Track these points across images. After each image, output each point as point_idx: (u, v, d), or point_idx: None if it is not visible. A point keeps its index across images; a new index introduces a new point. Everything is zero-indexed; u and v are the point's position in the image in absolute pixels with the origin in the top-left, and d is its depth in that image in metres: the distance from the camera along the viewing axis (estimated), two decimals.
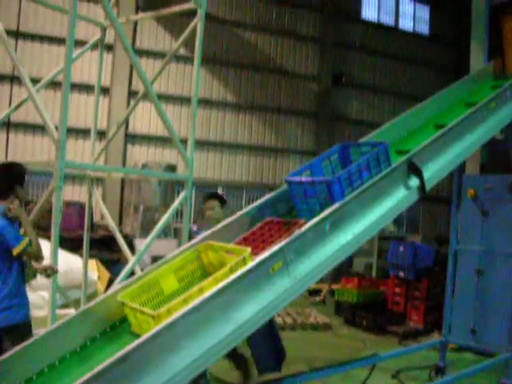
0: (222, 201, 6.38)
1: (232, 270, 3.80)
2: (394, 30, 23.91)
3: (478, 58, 10.15)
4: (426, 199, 21.17)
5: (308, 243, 4.06)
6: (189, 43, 7.88)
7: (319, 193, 4.50)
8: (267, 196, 5.06)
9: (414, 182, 4.81)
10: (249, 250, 4.00)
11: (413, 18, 24.50)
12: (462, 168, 8.20)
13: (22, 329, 4.69)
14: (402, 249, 11.41)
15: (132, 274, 6.59)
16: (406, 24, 24.34)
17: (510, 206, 8.69)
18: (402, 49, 23.80)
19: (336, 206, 4.25)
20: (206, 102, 19.40)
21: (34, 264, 4.92)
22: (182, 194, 7.01)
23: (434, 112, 6.56)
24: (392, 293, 11.83)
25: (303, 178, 4.80)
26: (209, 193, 6.65)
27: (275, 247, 3.87)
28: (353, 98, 22.75)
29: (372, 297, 11.93)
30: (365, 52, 22.96)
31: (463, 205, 9.09)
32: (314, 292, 14.26)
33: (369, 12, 23.38)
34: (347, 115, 22.58)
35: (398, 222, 20.11)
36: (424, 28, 24.76)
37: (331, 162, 5.14)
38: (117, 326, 4.09)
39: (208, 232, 4.62)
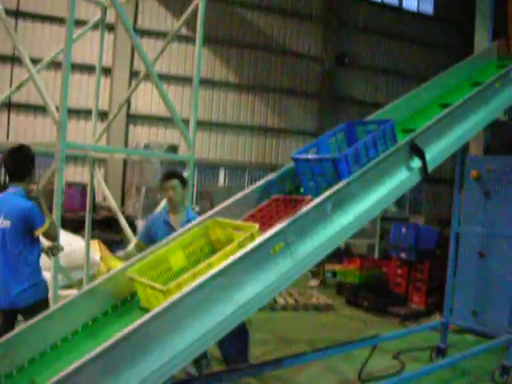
0: (183, 181, 5.72)
1: (240, 246, 3.81)
2: (398, 10, 23.72)
3: (482, 38, 10.07)
4: (429, 180, 21.19)
5: (309, 224, 4.03)
6: (191, 23, 7.83)
7: (326, 170, 4.50)
8: (274, 174, 5.04)
9: (416, 163, 4.76)
10: (257, 226, 4.00)
11: None
12: (465, 149, 8.15)
13: (46, 304, 4.87)
14: (404, 230, 11.39)
15: None
16: (410, 4, 24.12)
17: None
18: (406, 29, 23.60)
19: (337, 186, 4.21)
20: (208, 83, 19.31)
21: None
22: (184, 175, 7.00)
23: (439, 91, 6.53)
24: (394, 274, 11.83)
25: (310, 156, 4.78)
26: (169, 172, 5.84)
27: (276, 228, 3.85)
28: (356, 78, 22.64)
29: (374, 278, 11.94)
30: (368, 32, 22.79)
31: (466, 186, 9.07)
32: (315, 274, 14.28)
33: None
34: (350, 96, 22.48)
35: (400, 203, 20.12)
36: (428, 8, 24.54)
37: (337, 140, 5.13)
38: (127, 301, 4.15)
39: (216, 209, 4.61)
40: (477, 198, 9.15)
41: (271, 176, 5.01)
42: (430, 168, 4.81)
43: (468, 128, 5.35)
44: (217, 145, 19.93)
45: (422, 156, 4.72)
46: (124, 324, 3.63)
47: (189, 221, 5.07)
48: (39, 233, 4.68)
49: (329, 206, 4.13)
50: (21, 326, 3.85)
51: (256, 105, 20.57)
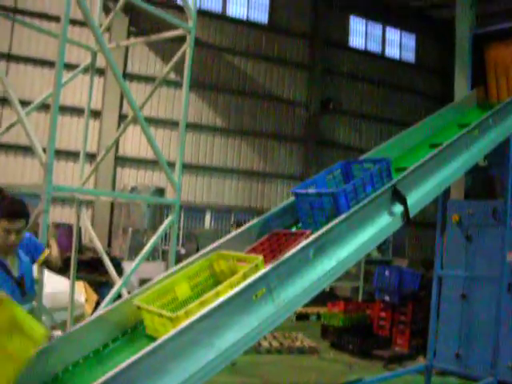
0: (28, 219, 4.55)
1: (245, 276, 3.92)
2: (380, 58, 24.32)
3: (461, 86, 10.38)
4: (411, 223, 21.18)
5: (292, 269, 4.09)
6: (179, 68, 8.00)
7: (325, 205, 4.68)
8: (274, 208, 5.19)
9: (398, 208, 4.87)
10: (261, 257, 4.11)
11: (399, 46, 24.93)
12: (446, 193, 8.33)
13: None
14: (387, 273, 11.51)
15: (119, 296, 6.62)
16: (392, 52, 24.76)
17: (493, 232, 8.80)
18: (389, 76, 24.19)
19: (319, 232, 4.31)
20: (195, 127, 19.57)
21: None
22: (169, 219, 7.08)
23: (428, 132, 6.84)
24: (378, 317, 11.88)
25: (310, 190, 4.98)
26: (16, 209, 4.24)
27: (258, 273, 3.91)
28: (341, 123, 23.03)
29: (358, 321, 11.99)
30: (352, 79, 23.31)
31: (448, 230, 9.22)
32: (301, 316, 14.31)
33: (356, 40, 23.77)
34: (335, 141, 22.81)
35: (383, 246, 20.26)
36: (410, 56, 25.19)
37: (335, 177, 5.37)
38: (136, 328, 4.20)
39: (218, 243, 4.71)
40: (458, 241, 9.30)
41: (272, 210, 5.15)
42: (412, 213, 4.93)
43: (449, 174, 5.51)
44: (203, 188, 20.06)
45: (403, 202, 4.85)
46: (132, 351, 3.70)
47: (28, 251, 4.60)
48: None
49: (311, 252, 4.21)
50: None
51: (242, 149, 20.81)
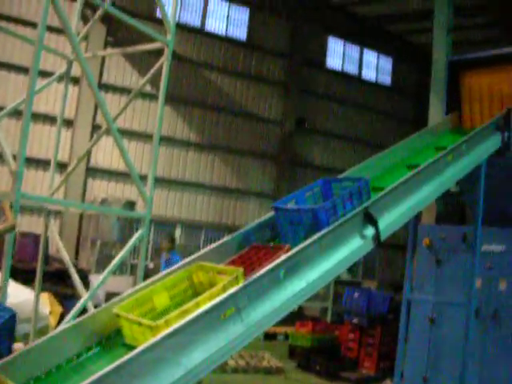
0: None
1: (225, 288, 3.93)
2: (357, 80, 24.54)
3: (436, 111, 10.49)
4: (382, 245, 21.24)
5: (262, 289, 4.06)
6: (155, 81, 7.96)
7: (305, 220, 4.73)
8: (254, 222, 5.21)
9: (370, 231, 4.88)
10: (241, 269, 4.11)
11: (376, 69, 25.20)
12: (417, 217, 8.37)
13: None
14: (356, 295, 11.51)
15: (84, 310, 6.48)
16: (369, 74, 25.00)
17: (463, 256, 8.83)
18: (365, 98, 24.41)
19: (290, 253, 4.29)
20: (169, 140, 19.46)
21: None
22: (139, 232, 6.98)
23: (405, 154, 6.94)
24: (346, 339, 11.86)
25: (290, 206, 5.03)
26: None
27: (227, 292, 3.87)
28: (315, 143, 23.12)
29: (326, 342, 11.95)
30: (328, 99, 23.47)
31: (418, 254, 9.25)
32: (269, 335, 14.20)
33: (334, 61, 23.96)
34: (308, 160, 22.88)
35: (353, 267, 20.35)
36: (386, 78, 25.48)
37: (314, 194, 5.46)
38: (112, 338, 4.14)
39: (197, 254, 4.71)
40: (428, 265, 9.32)
41: (251, 224, 5.17)
42: (384, 236, 4.94)
43: (421, 198, 5.55)
44: (175, 202, 19.91)
45: (375, 225, 4.85)
46: (108, 360, 3.65)
47: None
48: None
49: (281, 272, 4.17)
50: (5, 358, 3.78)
51: (216, 165, 20.74)
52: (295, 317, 14.16)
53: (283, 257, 4.25)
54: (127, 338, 3.99)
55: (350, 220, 4.74)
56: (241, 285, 3.92)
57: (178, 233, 19.97)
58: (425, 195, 5.60)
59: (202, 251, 4.78)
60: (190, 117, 20.25)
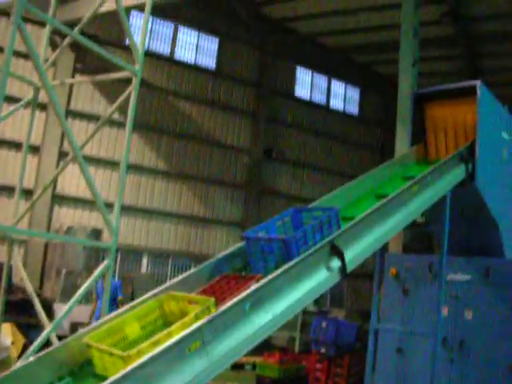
0: None
1: (197, 318, 3.93)
2: (325, 109, 24.81)
3: (402, 141, 10.64)
4: (350, 274, 21.34)
5: (227, 323, 4.01)
6: (123, 108, 7.91)
7: (276, 250, 4.77)
8: (224, 252, 5.20)
9: (336, 263, 4.89)
10: (212, 299, 4.13)
11: (344, 99, 25.53)
12: (384, 246, 8.42)
13: None
14: (324, 324, 11.48)
15: (48, 341, 6.34)
16: (337, 104, 25.31)
17: (429, 286, 8.93)
18: (333, 127, 24.70)
19: (256, 285, 4.26)
20: (136, 168, 19.34)
21: None
22: (105, 263, 6.88)
23: (371, 185, 7.03)
24: (313, 369, 11.79)
25: (261, 235, 5.05)
26: None
27: (193, 326, 3.81)
28: (282, 172, 23.23)
29: (293, 372, 11.84)
30: (296, 128, 23.67)
31: (385, 283, 9.30)
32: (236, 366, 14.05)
33: (302, 90, 24.22)
34: (276, 189, 22.95)
35: (320, 298, 20.34)
36: (354, 108, 25.81)
37: (285, 224, 5.48)
38: (83, 367, 4.09)
39: (168, 284, 4.70)
40: (395, 295, 9.37)
41: (222, 253, 5.15)
42: (350, 268, 4.95)
43: (387, 230, 5.60)
44: (142, 231, 19.71)
45: (341, 257, 4.86)
46: None
47: None
48: None
49: (247, 305, 4.14)
50: None
51: (183, 193, 20.65)
52: (263, 346, 14.03)
53: (252, 287, 4.23)
54: (98, 368, 3.94)
55: (316, 252, 4.74)
56: (206, 319, 3.87)
57: (144, 261, 19.75)
58: (391, 226, 5.64)
59: (173, 281, 4.77)
60: (159, 145, 20.19)
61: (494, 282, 8.88)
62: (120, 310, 4.41)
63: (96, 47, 7.10)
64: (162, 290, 4.63)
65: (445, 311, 8.85)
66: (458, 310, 9.06)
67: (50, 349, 4.04)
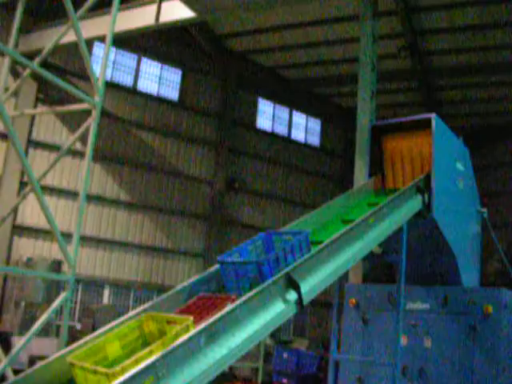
0: None
1: (177, 336, 4.05)
2: (286, 140, 25.07)
3: (361, 173, 10.81)
4: (313, 303, 21.60)
5: (182, 358, 3.98)
6: (85, 138, 7.93)
7: (250, 272, 4.97)
8: (200, 274, 5.36)
9: (293, 296, 4.92)
10: (191, 318, 4.21)
11: (305, 130, 25.85)
12: (344, 276, 8.52)
13: None
14: (285, 355, 11.52)
15: (3, 378, 6.25)
16: (298, 135, 25.60)
17: (389, 316, 9.03)
18: (294, 158, 24.95)
19: (212, 319, 4.25)
20: (98, 199, 19.21)
21: None
22: (63, 295, 6.83)
23: (339, 210, 7.33)
24: None
25: (235, 259, 5.23)
26: None
27: (146, 361, 3.78)
28: (245, 202, 23.30)
29: None
30: (259, 159, 23.84)
31: (345, 313, 9.37)
32: None
33: (264, 122, 24.46)
34: (239, 219, 22.98)
35: (284, 325, 20.30)
36: (315, 139, 26.13)
37: (256, 247, 5.71)
38: None
39: (147, 305, 4.79)
40: (355, 324, 9.45)
41: (198, 276, 5.32)
42: (306, 300, 4.99)
43: (343, 261, 5.68)
44: (103, 262, 19.49)
45: (297, 289, 4.91)
46: None
47: None
48: None
49: (202, 340, 4.13)
50: None
51: (145, 224, 20.54)
52: (226, 377, 13.94)
53: (203, 325, 4.21)
54: None
55: (273, 285, 4.77)
56: (159, 354, 3.84)
57: (106, 293, 19.51)
58: (347, 258, 5.73)
59: (151, 302, 4.86)
60: (121, 175, 20.10)
61: (452, 309, 9.03)
62: (101, 330, 4.49)
63: (55, 78, 7.13)
64: (140, 310, 4.72)
65: (404, 340, 8.95)
66: (418, 338, 9.17)
67: (33, 368, 4.08)
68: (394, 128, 9.07)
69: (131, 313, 4.71)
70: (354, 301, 9.43)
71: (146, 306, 4.80)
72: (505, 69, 20.21)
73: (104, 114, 17.66)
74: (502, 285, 9.69)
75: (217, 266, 5.36)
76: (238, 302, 4.47)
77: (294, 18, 19.43)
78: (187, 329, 4.14)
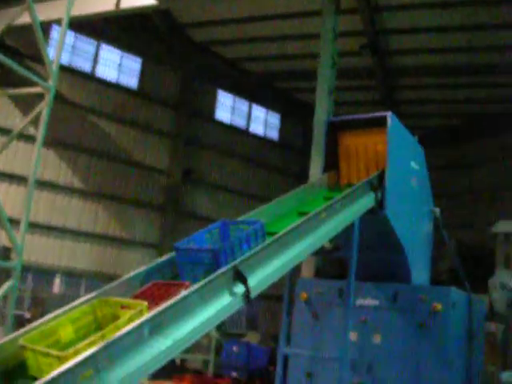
0: None
1: (131, 320, 4.05)
2: (245, 133, 25.04)
3: (317, 168, 10.81)
4: (265, 297, 21.61)
5: (125, 349, 3.87)
6: (39, 123, 7.73)
7: (205, 260, 5.02)
8: (155, 261, 5.34)
9: (240, 289, 4.88)
10: (145, 303, 4.24)
11: (264, 123, 25.85)
12: (296, 271, 8.52)
13: None
14: (235, 349, 11.49)
15: None
16: (257, 128, 25.59)
17: (339, 311, 9.06)
18: (252, 151, 24.93)
19: (156, 310, 4.18)
20: (52, 186, 18.87)
21: None
22: (9, 283, 6.67)
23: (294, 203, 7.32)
24: None
25: (191, 246, 5.27)
26: None
27: (87, 353, 3.65)
28: (201, 194, 23.20)
29: None
30: (216, 151, 23.75)
31: (296, 307, 9.38)
32: None
33: (222, 113, 24.38)
34: (194, 211, 22.88)
35: (222, 325, 20.22)
36: (274, 133, 26.16)
37: (212, 236, 5.76)
38: (16, 370, 4.05)
39: (101, 290, 4.76)
40: (306, 319, 9.46)
41: (153, 263, 5.30)
42: (254, 294, 4.97)
43: (293, 255, 5.66)
44: (55, 250, 19.13)
45: (244, 282, 4.89)
46: None
47: None
48: None
49: (146, 330, 4.05)
50: None
51: (99, 212, 20.25)
52: (176, 370, 13.84)
53: (147, 316, 4.13)
54: (32, 370, 3.93)
55: (220, 277, 4.73)
56: (101, 344, 3.73)
57: (57, 282, 19.18)
58: (297, 252, 5.71)
59: (105, 287, 4.84)
60: (75, 162, 19.76)
61: (402, 306, 9.11)
62: (54, 314, 4.45)
63: (8, 60, 6.94)
64: (94, 295, 4.69)
65: (354, 336, 9.00)
66: (367, 334, 9.23)
67: None
68: (350, 125, 9.10)
69: (83, 298, 4.67)
70: (305, 295, 9.44)
71: (99, 291, 4.77)
72: (462, 71, 20.55)
73: (60, 99, 17.32)
74: (452, 283, 9.83)
75: (171, 253, 5.37)
76: (183, 293, 4.41)
77: (258, 11, 19.37)
78: (141, 313, 4.13)
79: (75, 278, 19.65)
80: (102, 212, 20.32)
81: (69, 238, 19.43)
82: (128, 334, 3.92)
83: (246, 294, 4.89)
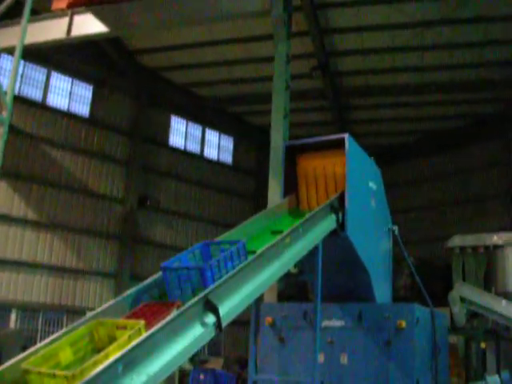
0: None
1: (131, 339, 4.16)
2: (199, 158, 25.04)
3: (275, 192, 10.81)
4: (229, 323, 21.27)
5: None
6: None
7: (193, 277, 5.17)
8: (143, 282, 5.35)
9: (211, 319, 4.83)
10: (142, 321, 4.34)
11: (218, 148, 25.90)
12: (260, 296, 8.46)
13: None
14: (202, 377, 11.36)
15: None
16: (211, 152, 25.60)
17: (305, 334, 9.04)
18: (207, 175, 24.95)
19: (129, 347, 4.09)
20: (4, 218, 18.44)
21: None
22: None
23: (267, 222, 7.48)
24: None
25: (178, 265, 5.38)
26: None
27: None
28: (157, 221, 23.03)
29: None
30: (171, 177, 23.68)
31: (261, 332, 9.31)
32: None
33: (176, 139, 24.34)
34: (151, 238, 22.67)
35: (194, 356, 19.93)
36: (228, 157, 26.23)
37: (195, 256, 5.89)
38: None
39: (93, 313, 4.76)
40: (272, 344, 9.39)
41: (141, 284, 5.31)
42: (225, 322, 4.93)
43: (261, 282, 5.65)
44: (10, 284, 18.60)
45: (215, 312, 4.84)
46: None
47: None
48: None
49: (120, 368, 3.97)
50: None
51: (54, 243, 19.82)
52: None
53: (120, 353, 4.03)
54: None
55: (190, 309, 4.67)
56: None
57: (13, 316, 18.62)
58: (264, 279, 5.70)
59: (97, 310, 4.81)
60: (28, 193, 19.37)
61: (367, 325, 9.15)
62: (52, 337, 4.44)
63: None
64: (89, 317, 4.70)
65: (321, 357, 8.98)
66: (334, 355, 9.22)
67: None
68: (308, 147, 9.12)
69: (81, 320, 4.71)
70: (270, 320, 9.38)
71: (92, 314, 4.77)
72: (412, 90, 21.01)
73: (11, 128, 16.98)
74: (411, 298, 9.93)
75: (156, 275, 5.42)
76: (155, 328, 4.34)
77: (208, 36, 19.48)
78: (139, 332, 4.23)
79: (32, 312, 19.11)
80: (58, 243, 19.90)
81: (24, 271, 18.93)
82: (102, 372, 3.81)
83: (217, 324, 4.85)
